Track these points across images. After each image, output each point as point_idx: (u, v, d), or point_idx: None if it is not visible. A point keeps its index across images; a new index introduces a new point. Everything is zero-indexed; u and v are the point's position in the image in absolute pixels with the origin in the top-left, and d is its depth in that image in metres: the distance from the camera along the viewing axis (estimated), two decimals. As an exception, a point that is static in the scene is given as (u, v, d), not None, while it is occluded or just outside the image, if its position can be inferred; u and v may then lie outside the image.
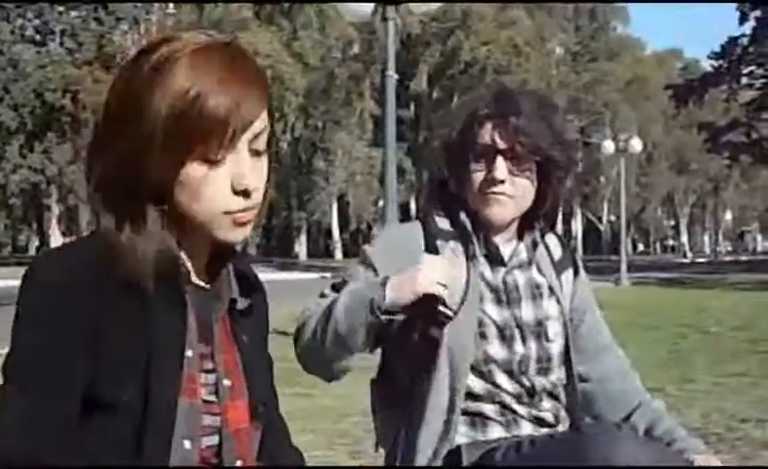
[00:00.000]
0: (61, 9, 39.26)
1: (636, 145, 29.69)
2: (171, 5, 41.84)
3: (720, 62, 40.33)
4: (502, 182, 2.00)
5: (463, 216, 2.06)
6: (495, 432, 2.00)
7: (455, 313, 1.90)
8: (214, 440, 1.30)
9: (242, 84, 1.24)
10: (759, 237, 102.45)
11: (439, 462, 1.96)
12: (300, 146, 50.61)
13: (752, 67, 40.50)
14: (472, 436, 2.00)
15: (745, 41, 39.31)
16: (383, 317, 1.78)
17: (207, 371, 1.31)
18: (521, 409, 2.02)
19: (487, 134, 2.02)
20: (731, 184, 76.64)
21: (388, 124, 11.07)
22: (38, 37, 40.82)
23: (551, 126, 2.03)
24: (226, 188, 1.25)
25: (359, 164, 49.65)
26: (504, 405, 2.01)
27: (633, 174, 59.88)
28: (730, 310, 16.10)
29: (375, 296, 1.79)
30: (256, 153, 1.28)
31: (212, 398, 1.30)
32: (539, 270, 2.13)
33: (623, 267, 27.10)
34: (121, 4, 38.28)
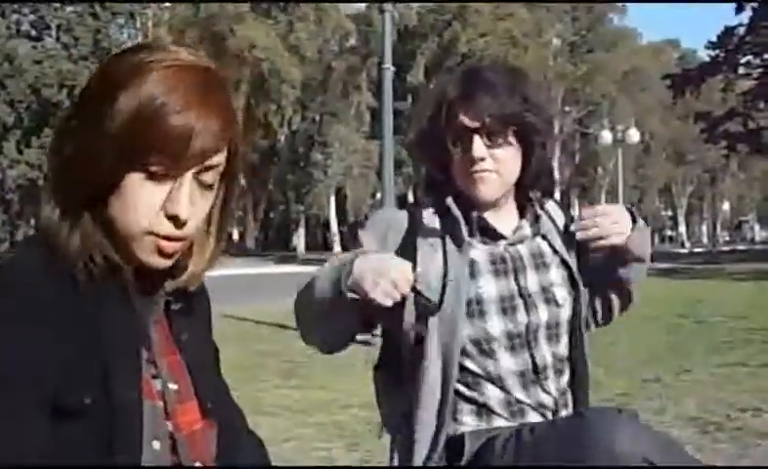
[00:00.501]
0: (56, 4, 39.22)
1: (633, 135, 29.77)
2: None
3: (717, 51, 40.27)
4: (482, 159, 2.02)
5: (449, 200, 2.07)
6: (501, 422, 2.01)
7: (438, 304, 1.94)
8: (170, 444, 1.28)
9: (206, 113, 1.21)
10: (757, 227, 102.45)
11: (440, 447, 1.97)
12: (297, 139, 50.55)
13: (749, 57, 40.45)
14: (477, 425, 2.01)
15: (741, 31, 39.24)
16: (349, 295, 1.81)
17: (154, 377, 1.28)
18: (525, 397, 2.02)
19: (458, 115, 2.03)
20: (728, 174, 76.64)
21: (385, 117, 11.08)
22: (34, 32, 40.77)
23: (520, 94, 2.05)
24: (158, 208, 1.22)
25: (356, 157, 49.58)
26: (508, 391, 2.01)
27: (631, 165, 59.86)
28: (728, 299, 16.11)
29: (342, 274, 1.82)
30: (203, 186, 1.25)
31: (160, 403, 1.27)
32: (545, 239, 2.15)
33: (621, 257, 27.07)
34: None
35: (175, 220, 1.23)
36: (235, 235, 60.59)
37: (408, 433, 2.01)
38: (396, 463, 2.04)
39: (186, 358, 1.34)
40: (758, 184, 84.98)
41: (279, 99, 47.49)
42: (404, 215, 2.12)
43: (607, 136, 30.33)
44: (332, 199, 50.95)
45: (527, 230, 2.13)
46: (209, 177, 1.25)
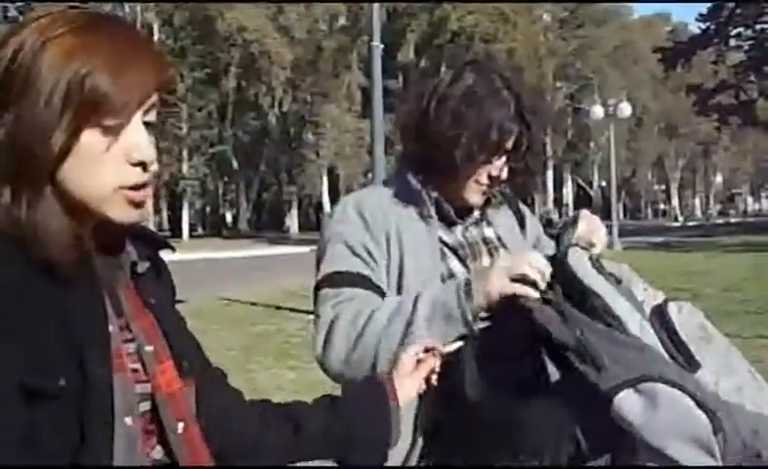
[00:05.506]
0: (43, -12, 39.05)
1: (625, 109, 29.72)
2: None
3: (708, 24, 40.29)
4: (499, 181, 2.02)
5: (412, 178, 2.04)
6: None
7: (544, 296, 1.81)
8: (146, 406, 1.26)
9: (143, 50, 1.22)
10: (749, 199, 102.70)
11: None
12: (288, 120, 50.45)
13: (740, 29, 40.49)
14: None
15: (732, 3, 39.23)
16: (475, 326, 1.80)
17: (127, 341, 1.26)
18: None
19: (504, 140, 1.98)
20: (721, 146, 76.73)
21: (375, 95, 11.06)
22: (22, 19, 40.59)
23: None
24: (121, 160, 1.20)
25: (348, 136, 49.46)
26: None
27: (623, 139, 59.86)
28: (721, 272, 16.17)
29: (467, 310, 1.79)
30: (147, 126, 1.23)
31: (137, 366, 1.26)
32: (491, 225, 2.14)
33: (615, 231, 27.18)
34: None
35: (142, 165, 1.21)
36: (228, 218, 60.57)
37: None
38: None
39: (157, 320, 1.32)
40: (751, 156, 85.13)
41: (270, 80, 47.33)
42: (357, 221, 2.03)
43: (598, 111, 30.26)
44: (325, 179, 50.90)
45: (476, 212, 2.11)
46: (152, 115, 1.24)
